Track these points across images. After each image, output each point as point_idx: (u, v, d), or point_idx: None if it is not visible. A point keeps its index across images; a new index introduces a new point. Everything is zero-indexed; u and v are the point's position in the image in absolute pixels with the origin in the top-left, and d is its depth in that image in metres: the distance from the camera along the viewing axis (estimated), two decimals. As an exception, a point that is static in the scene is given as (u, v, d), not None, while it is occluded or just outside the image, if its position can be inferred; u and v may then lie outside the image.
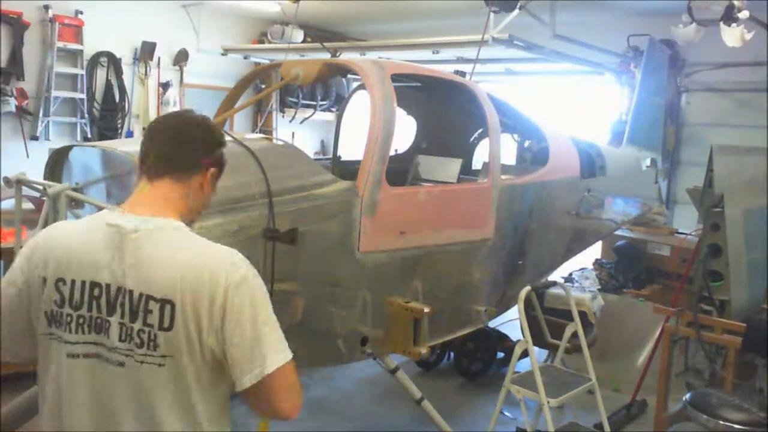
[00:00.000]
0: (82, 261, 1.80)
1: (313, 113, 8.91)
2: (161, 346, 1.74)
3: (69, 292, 1.80)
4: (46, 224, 3.38)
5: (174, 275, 1.75)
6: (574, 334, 5.50)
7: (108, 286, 1.78)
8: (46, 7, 7.57)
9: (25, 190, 3.43)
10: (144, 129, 9.07)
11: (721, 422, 3.73)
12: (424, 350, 3.70)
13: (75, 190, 3.40)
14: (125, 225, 1.81)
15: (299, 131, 9.93)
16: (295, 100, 9.69)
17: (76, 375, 1.80)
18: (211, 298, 1.75)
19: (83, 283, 1.79)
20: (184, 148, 1.92)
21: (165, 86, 8.70)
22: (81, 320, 1.79)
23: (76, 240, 1.84)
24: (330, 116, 9.99)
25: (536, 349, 6.11)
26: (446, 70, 5.00)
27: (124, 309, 1.76)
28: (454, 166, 5.09)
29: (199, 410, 1.81)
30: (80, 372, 1.80)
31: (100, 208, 3.51)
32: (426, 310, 3.64)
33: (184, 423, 1.79)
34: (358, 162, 3.74)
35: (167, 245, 1.80)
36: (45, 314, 1.82)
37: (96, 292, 1.78)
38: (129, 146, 3.48)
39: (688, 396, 4.05)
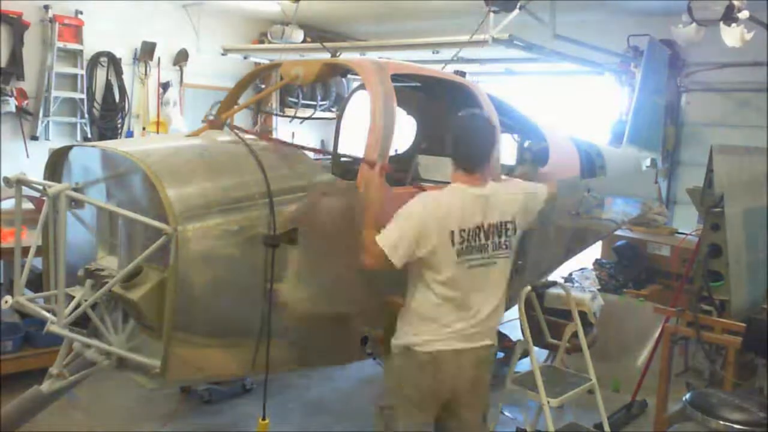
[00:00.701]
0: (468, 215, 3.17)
1: (313, 113, 8.90)
2: (509, 246, 3.32)
3: (467, 234, 3.17)
4: (45, 224, 3.39)
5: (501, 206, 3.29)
6: (574, 334, 5.51)
7: (483, 224, 3.21)
8: (46, 7, 7.57)
9: (26, 190, 3.43)
10: (144, 129, 9.00)
11: (722, 422, 3.73)
12: (423, 350, 3.69)
13: (75, 190, 3.39)
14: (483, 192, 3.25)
15: (299, 131, 9.92)
16: (295, 100, 9.68)
17: (474, 276, 3.22)
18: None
19: (472, 229, 3.18)
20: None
21: (165, 86, 8.69)
22: (472, 248, 3.19)
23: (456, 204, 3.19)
24: (330, 116, 9.98)
25: (536, 349, 6.13)
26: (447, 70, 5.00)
27: (492, 234, 3.23)
28: (453, 166, 5.08)
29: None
30: (475, 274, 3.21)
31: (99, 208, 3.53)
32: (425, 309, 3.63)
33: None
34: (358, 162, 3.74)
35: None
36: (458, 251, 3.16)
37: (477, 231, 3.19)
38: (129, 146, 3.48)
39: (688, 396, 4.05)
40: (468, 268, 3.19)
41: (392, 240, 3.10)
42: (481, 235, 3.21)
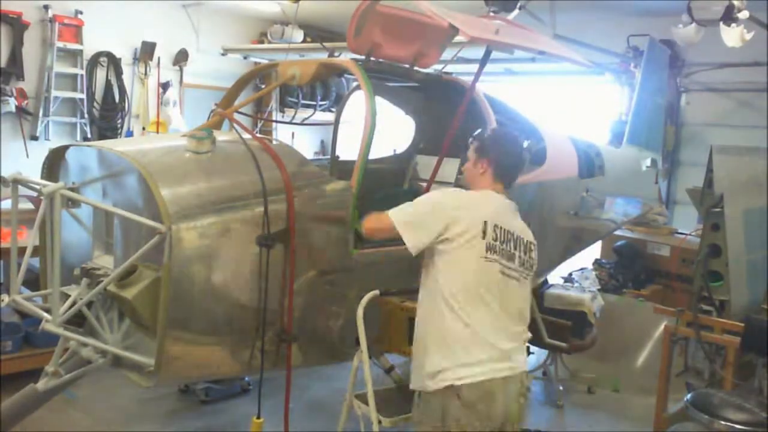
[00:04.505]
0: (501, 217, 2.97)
1: (313, 113, 8.90)
2: (532, 269, 3.03)
3: (500, 232, 2.91)
4: (42, 224, 3.39)
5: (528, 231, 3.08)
6: (573, 334, 5.51)
7: (513, 233, 2.97)
8: (46, 7, 7.57)
9: (24, 190, 3.43)
10: (144, 129, 8.94)
11: (723, 422, 3.72)
12: (419, 350, 3.68)
13: (71, 189, 3.40)
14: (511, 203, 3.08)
15: (299, 131, 9.93)
16: (295, 100, 9.67)
17: (506, 285, 2.92)
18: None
19: (505, 230, 2.94)
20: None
21: (165, 86, 8.68)
22: (502, 250, 2.92)
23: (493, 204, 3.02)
24: (330, 116, 9.98)
25: (535, 349, 6.13)
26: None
27: (520, 247, 2.97)
28: (452, 165, 5.08)
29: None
30: (506, 284, 2.93)
31: (95, 208, 3.53)
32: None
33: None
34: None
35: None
36: (488, 245, 2.89)
37: (509, 236, 2.94)
38: (125, 146, 3.48)
39: (689, 396, 4.03)
40: (500, 273, 2.89)
41: (406, 216, 2.94)
42: (512, 243, 2.94)
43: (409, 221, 2.93)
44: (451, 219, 2.86)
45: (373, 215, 3.13)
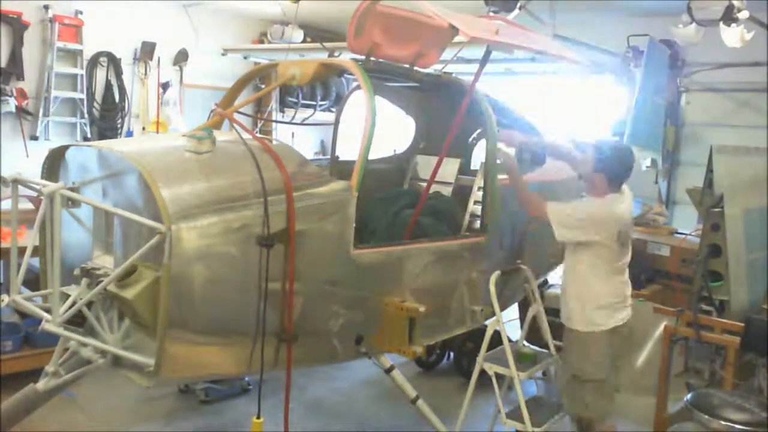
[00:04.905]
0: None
1: (313, 113, 8.90)
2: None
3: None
4: (42, 224, 3.39)
5: None
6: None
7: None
8: (46, 7, 7.57)
9: (24, 190, 3.43)
10: (144, 129, 8.94)
11: (723, 422, 3.72)
12: (419, 349, 3.69)
13: (71, 189, 3.40)
14: None
15: (299, 131, 9.92)
16: (295, 100, 9.67)
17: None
18: None
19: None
20: None
21: (165, 86, 8.68)
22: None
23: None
24: (330, 116, 9.97)
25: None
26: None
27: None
28: (452, 165, 5.09)
29: None
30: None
31: (95, 208, 3.53)
32: (421, 309, 3.63)
33: None
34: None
35: None
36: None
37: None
38: (125, 146, 3.48)
39: (689, 396, 4.03)
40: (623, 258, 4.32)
41: (562, 218, 4.04)
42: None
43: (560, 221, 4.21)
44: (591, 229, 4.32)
45: None
